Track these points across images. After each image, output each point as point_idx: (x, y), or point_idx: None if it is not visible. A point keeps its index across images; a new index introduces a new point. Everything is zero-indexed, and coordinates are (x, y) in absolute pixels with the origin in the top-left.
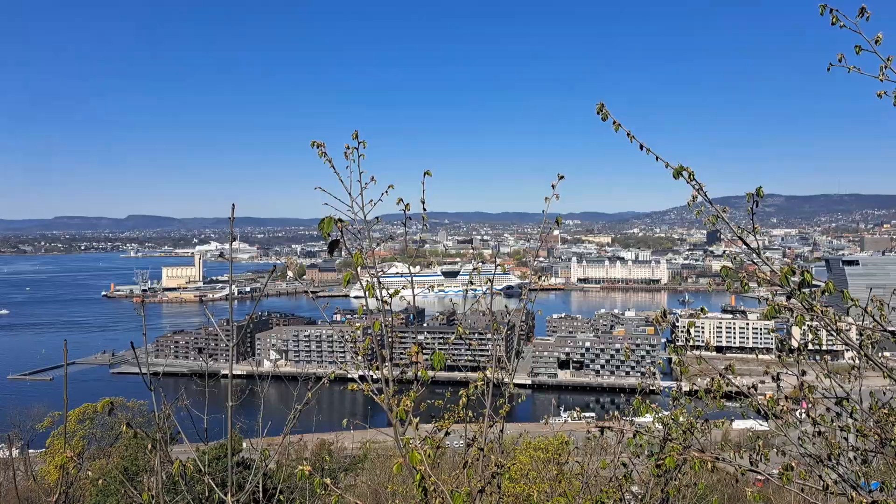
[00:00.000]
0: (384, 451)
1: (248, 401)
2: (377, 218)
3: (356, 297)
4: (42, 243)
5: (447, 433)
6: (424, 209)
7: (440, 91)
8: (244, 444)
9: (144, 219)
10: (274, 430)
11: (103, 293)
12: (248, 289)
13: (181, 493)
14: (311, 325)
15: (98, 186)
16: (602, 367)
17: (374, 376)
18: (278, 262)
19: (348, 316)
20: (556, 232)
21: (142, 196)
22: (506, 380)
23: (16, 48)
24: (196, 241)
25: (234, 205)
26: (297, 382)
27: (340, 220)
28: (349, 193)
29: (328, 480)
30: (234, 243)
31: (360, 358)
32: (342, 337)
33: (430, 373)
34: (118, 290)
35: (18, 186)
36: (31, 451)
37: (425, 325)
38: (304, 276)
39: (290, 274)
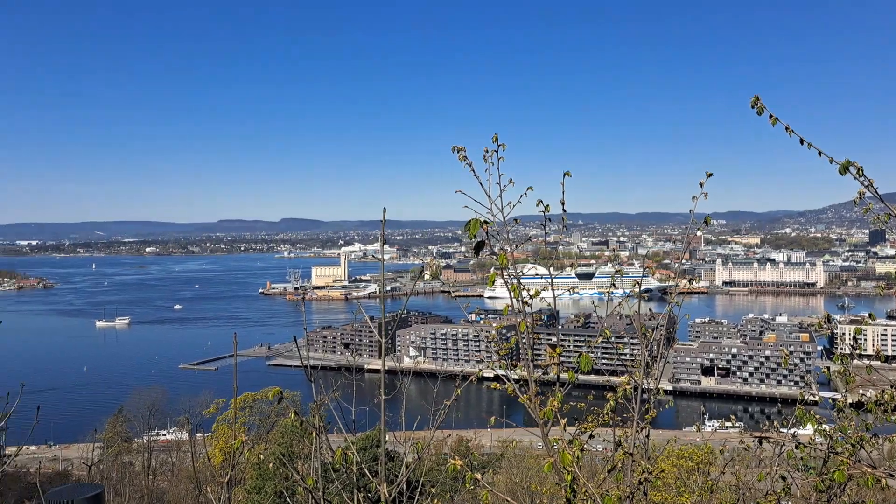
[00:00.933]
0: (521, 450)
1: (392, 395)
2: (515, 219)
3: (490, 298)
4: (207, 244)
5: (591, 436)
6: (564, 210)
7: (576, 90)
8: (387, 437)
9: (296, 222)
10: (413, 424)
11: (260, 290)
12: (388, 287)
13: (339, 480)
14: (447, 324)
15: (256, 192)
16: (750, 374)
17: (516, 376)
18: (417, 262)
19: (483, 315)
20: (699, 233)
21: (294, 200)
22: (652, 385)
23: (188, 77)
24: (342, 242)
25: (384, 208)
26: (437, 379)
27: (486, 221)
28: (488, 195)
29: (479, 475)
30: (376, 244)
31: (500, 358)
32: (478, 336)
33: (574, 375)
34: (273, 288)
35: (188, 195)
36: (199, 434)
37: (560, 326)
38: (440, 277)
39: (427, 274)
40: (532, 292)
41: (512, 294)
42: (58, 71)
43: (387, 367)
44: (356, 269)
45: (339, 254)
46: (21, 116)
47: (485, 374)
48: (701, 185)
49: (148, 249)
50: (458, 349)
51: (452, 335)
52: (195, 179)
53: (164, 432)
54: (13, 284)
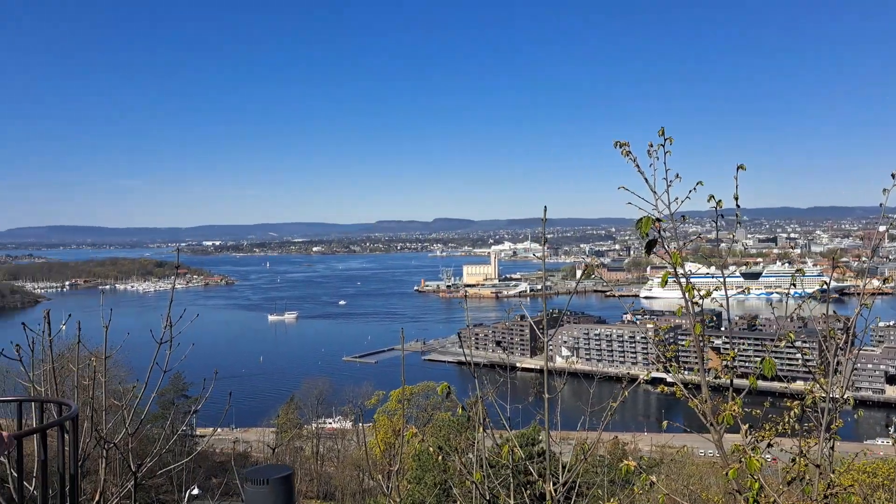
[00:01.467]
0: (682, 456)
1: (555, 395)
2: (683, 216)
3: (647, 298)
4: (367, 244)
5: (770, 445)
6: (738, 206)
7: (735, 78)
8: (543, 436)
9: (448, 221)
10: (567, 425)
11: (415, 288)
12: (539, 286)
13: (502, 477)
14: (600, 324)
15: (411, 194)
16: None
17: (685, 379)
18: (568, 261)
19: (639, 316)
20: (881, 228)
21: (446, 200)
22: (838, 393)
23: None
24: (492, 241)
25: (545, 207)
26: (592, 380)
27: (658, 219)
28: (653, 191)
29: (654, 478)
30: (525, 243)
31: (667, 360)
32: (633, 337)
33: (756, 381)
34: (427, 286)
35: (350, 197)
36: (361, 424)
37: (723, 328)
38: (593, 276)
39: (578, 272)
40: (703, 292)
41: (686, 295)
42: (245, 84)
43: (540, 367)
44: (506, 268)
45: (489, 252)
46: (208, 128)
47: (652, 377)
48: (894, 176)
49: (314, 249)
50: (612, 350)
51: (607, 335)
52: (356, 182)
53: (331, 420)
54: (201, 281)
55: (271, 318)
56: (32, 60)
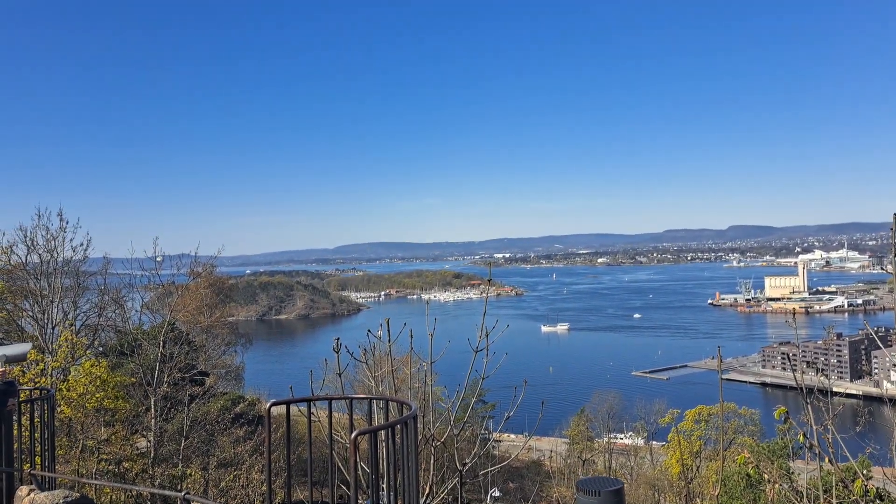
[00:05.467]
0: None
1: (871, 424)
2: None
3: None
4: (654, 254)
5: None
6: None
7: None
8: (876, 474)
9: (745, 228)
10: None
11: (709, 301)
12: (859, 301)
13: None
14: None
15: (702, 200)
16: None
17: None
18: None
19: None
20: None
21: (742, 206)
22: None
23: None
24: (798, 249)
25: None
26: None
27: None
28: None
29: None
30: (840, 251)
31: None
32: None
33: None
34: (723, 299)
35: (636, 205)
36: (653, 442)
37: None
38: None
39: None
40: None
41: None
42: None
43: (863, 392)
44: (817, 280)
45: (795, 262)
46: (492, 149)
47: None
48: None
49: (599, 260)
50: None
51: None
52: (643, 191)
53: (621, 436)
54: (493, 292)
55: (544, 329)
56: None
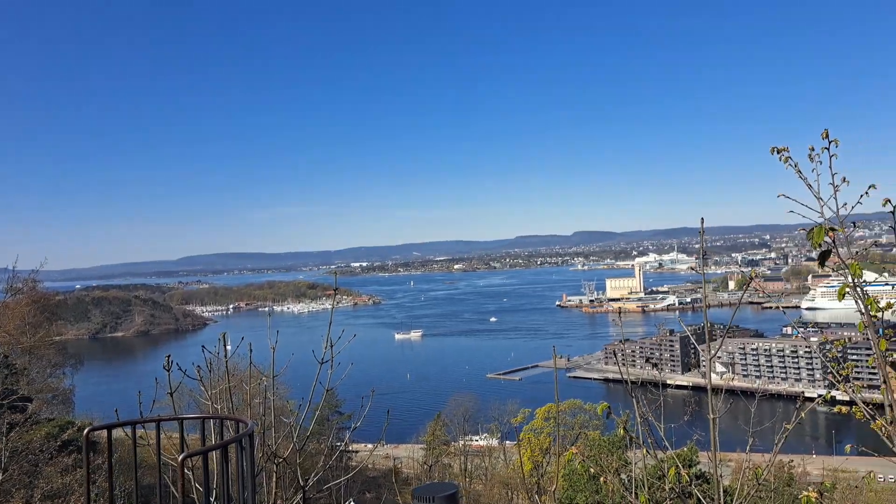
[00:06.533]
0: (856, 480)
1: (698, 413)
2: (854, 223)
3: (809, 309)
4: (507, 259)
5: None
6: None
7: None
8: (699, 457)
9: (588, 234)
10: (725, 446)
11: (556, 303)
12: (688, 299)
13: (662, 500)
14: (758, 338)
15: (550, 208)
16: None
17: (865, 398)
18: (719, 272)
19: (800, 329)
20: None
21: (586, 213)
22: None
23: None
24: (635, 253)
25: (702, 219)
26: (751, 398)
27: (833, 228)
28: (818, 198)
29: None
30: (671, 254)
31: (843, 379)
32: (796, 351)
33: None
34: (569, 301)
35: (490, 213)
36: (507, 442)
37: None
38: (748, 287)
39: (731, 283)
40: (883, 304)
41: (867, 308)
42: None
43: (692, 384)
44: (651, 281)
45: (633, 265)
46: (350, 157)
47: (832, 397)
48: None
49: (456, 266)
50: (772, 366)
51: (765, 350)
52: (495, 200)
53: (477, 438)
54: (350, 301)
55: (398, 336)
56: (195, 102)
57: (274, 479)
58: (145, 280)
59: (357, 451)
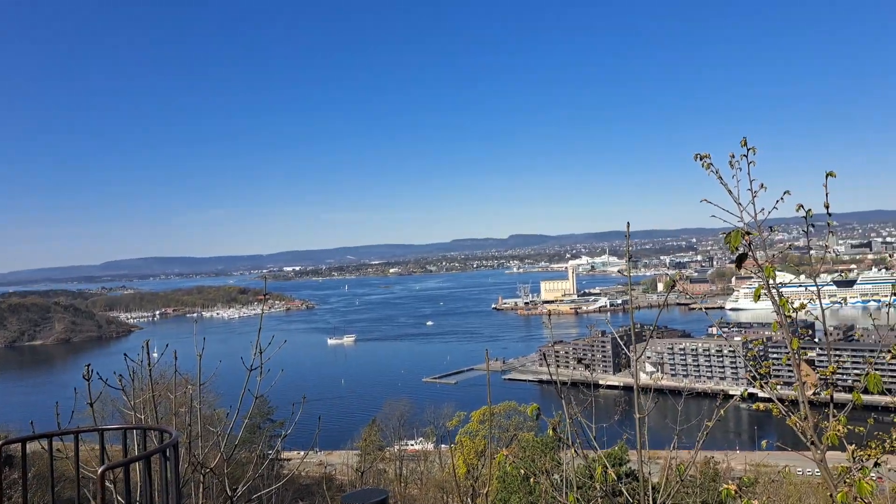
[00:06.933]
0: (784, 475)
1: (628, 412)
2: (771, 227)
3: (733, 310)
4: (443, 263)
5: (877, 464)
6: (829, 214)
7: (820, 74)
8: (629, 456)
9: (524, 237)
10: (654, 444)
11: (492, 306)
12: (619, 301)
13: (592, 499)
14: (685, 338)
15: (486, 212)
16: None
17: (781, 395)
18: (648, 274)
19: (725, 329)
20: None
21: (522, 217)
22: None
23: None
24: (569, 256)
25: (628, 223)
26: (679, 396)
27: (748, 232)
28: (738, 203)
29: (756, 503)
30: (603, 257)
31: (762, 377)
32: (720, 351)
33: (861, 397)
34: (505, 303)
35: (426, 217)
36: (443, 446)
37: (817, 339)
38: (675, 288)
39: (660, 285)
40: (797, 305)
41: (780, 309)
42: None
43: (623, 384)
44: (584, 283)
45: (566, 267)
46: (284, 158)
47: (749, 393)
48: None
49: (391, 270)
50: (699, 365)
51: (692, 350)
52: (432, 203)
53: (412, 442)
54: (282, 306)
55: (331, 341)
56: (120, 104)
57: (201, 490)
58: (66, 286)
59: (290, 459)
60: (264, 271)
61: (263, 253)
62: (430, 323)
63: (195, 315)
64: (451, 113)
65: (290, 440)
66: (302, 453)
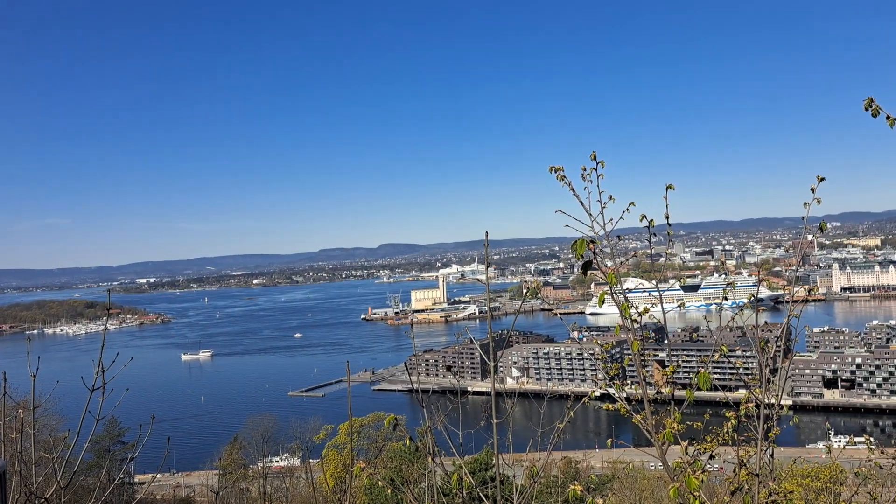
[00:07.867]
0: (633, 471)
1: (501, 419)
2: (618, 236)
3: (592, 315)
4: (310, 274)
5: (712, 456)
6: (669, 225)
7: (671, 92)
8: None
9: (394, 246)
10: (520, 447)
11: (362, 317)
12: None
13: None
14: (549, 343)
15: (354, 221)
16: (879, 386)
17: (627, 395)
18: (515, 281)
19: (585, 333)
20: (809, 237)
21: (392, 226)
22: (775, 401)
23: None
24: (439, 264)
25: (486, 232)
26: (542, 400)
27: (593, 241)
28: (589, 213)
29: (600, 501)
30: (473, 265)
31: (611, 378)
32: (581, 354)
33: (692, 394)
34: (374, 314)
35: (291, 227)
36: (310, 460)
37: (666, 341)
38: (538, 295)
39: (525, 292)
40: (641, 309)
41: (623, 313)
42: (166, 120)
43: (488, 388)
44: (455, 291)
45: (437, 276)
46: (134, 163)
47: (601, 393)
48: (813, 190)
49: (255, 281)
50: (561, 368)
51: (555, 354)
52: (297, 211)
53: (277, 459)
54: (135, 321)
55: (185, 357)
56: None
57: None
58: None
59: (143, 483)
60: (115, 284)
61: (113, 264)
62: (298, 335)
63: (35, 332)
64: (319, 122)
65: (145, 463)
66: (160, 476)
